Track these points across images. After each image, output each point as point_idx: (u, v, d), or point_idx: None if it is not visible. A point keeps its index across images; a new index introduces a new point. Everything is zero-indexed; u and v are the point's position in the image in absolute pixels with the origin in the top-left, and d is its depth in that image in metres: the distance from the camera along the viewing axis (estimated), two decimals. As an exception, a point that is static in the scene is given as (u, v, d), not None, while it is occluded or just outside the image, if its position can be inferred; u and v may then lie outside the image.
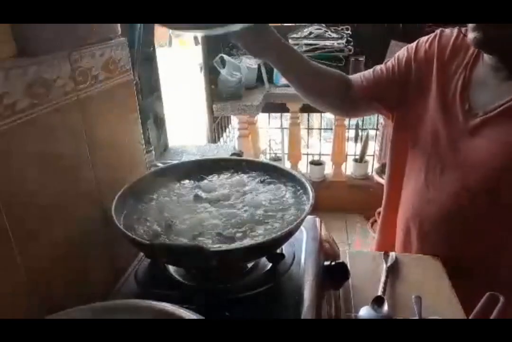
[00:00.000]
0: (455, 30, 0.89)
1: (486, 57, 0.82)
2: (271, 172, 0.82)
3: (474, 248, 0.90)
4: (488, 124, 0.80)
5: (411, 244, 1.00)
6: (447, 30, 0.91)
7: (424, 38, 0.95)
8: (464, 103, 0.83)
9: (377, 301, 0.77)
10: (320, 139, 3.37)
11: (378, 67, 1.01)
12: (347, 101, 1.01)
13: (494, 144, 0.80)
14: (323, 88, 1.01)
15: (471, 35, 0.77)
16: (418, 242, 0.98)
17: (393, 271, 0.89)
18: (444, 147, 0.87)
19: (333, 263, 0.73)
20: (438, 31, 0.93)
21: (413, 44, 0.96)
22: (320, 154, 3.14)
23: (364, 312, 0.76)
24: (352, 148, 3.12)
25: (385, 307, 0.76)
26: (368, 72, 1.01)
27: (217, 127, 2.65)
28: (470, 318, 0.71)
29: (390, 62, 0.99)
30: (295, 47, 2.71)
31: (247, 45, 0.87)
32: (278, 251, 0.70)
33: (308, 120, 3.35)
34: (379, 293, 0.79)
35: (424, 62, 0.91)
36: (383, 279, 0.84)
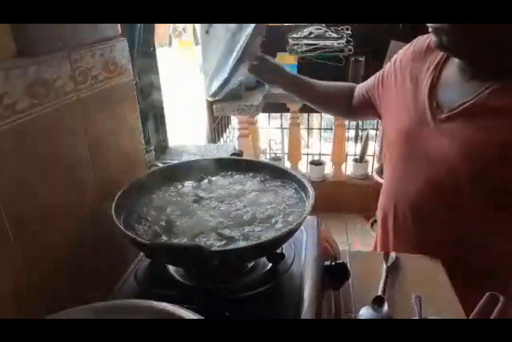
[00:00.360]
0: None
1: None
2: (271, 171, 0.82)
3: (444, 242, 0.93)
4: (451, 122, 0.83)
5: (388, 234, 1.04)
6: (425, 35, 0.95)
7: (406, 45, 1.01)
8: (432, 101, 0.87)
9: (377, 301, 0.77)
10: (320, 139, 3.37)
11: (373, 77, 1.09)
12: (350, 110, 1.15)
13: (454, 141, 0.83)
14: (331, 103, 1.19)
15: (432, 38, 0.81)
16: (394, 232, 1.02)
17: (393, 271, 0.89)
18: (414, 143, 0.90)
19: (333, 263, 0.73)
20: (418, 37, 0.98)
21: (396, 54, 1.03)
22: (320, 154, 3.14)
23: (364, 312, 0.76)
24: (352, 148, 3.12)
25: (385, 307, 0.76)
26: (366, 82, 1.11)
27: (217, 127, 2.65)
28: (470, 318, 0.71)
29: (380, 72, 1.06)
30: (295, 47, 2.70)
31: (262, 77, 1.14)
32: (278, 251, 0.70)
33: (308, 120, 3.34)
34: (379, 293, 0.79)
35: (400, 67, 0.97)
36: (383, 279, 0.84)
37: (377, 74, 1.07)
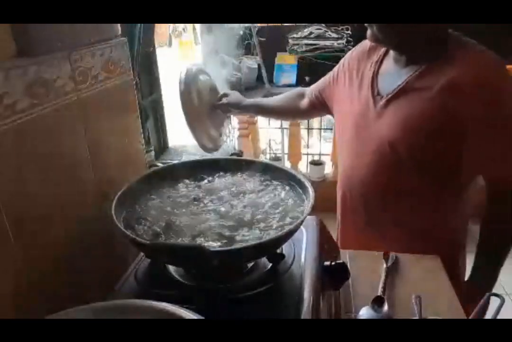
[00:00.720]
0: None
1: (391, 51, 0.96)
2: (271, 171, 0.82)
3: (394, 225, 1.00)
4: (390, 104, 0.93)
5: (346, 222, 1.11)
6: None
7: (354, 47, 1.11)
8: (374, 90, 0.97)
9: (377, 301, 0.77)
10: (320, 139, 3.36)
11: (323, 79, 1.17)
12: (303, 111, 1.25)
13: (391, 122, 0.91)
14: (287, 113, 1.33)
15: (368, 32, 0.90)
16: (350, 219, 1.09)
17: (393, 271, 0.89)
18: (361, 131, 0.98)
19: (333, 263, 0.73)
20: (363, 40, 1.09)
21: (346, 55, 1.12)
22: (320, 154, 3.13)
23: (364, 312, 0.76)
24: (352, 148, 3.11)
25: (385, 307, 0.76)
26: (317, 85, 1.19)
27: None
28: (470, 318, 0.71)
29: (329, 74, 1.15)
30: (295, 47, 2.69)
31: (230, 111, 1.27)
32: (278, 251, 0.70)
33: (308, 120, 3.34)
34: (379, 293, 0.79)
35: (348, 68, 1.07)
36: (383, 279, 0.84)
37: (327, 76, 1.15)
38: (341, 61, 1.12)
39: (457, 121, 0.84)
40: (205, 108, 1.19)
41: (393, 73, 0.95)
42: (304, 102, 1.22)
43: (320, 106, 1.17)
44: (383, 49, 0.99)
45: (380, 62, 0.99)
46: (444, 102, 0.84)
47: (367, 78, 0.99)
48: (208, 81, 1.23)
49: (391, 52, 0.96)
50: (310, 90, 1.21)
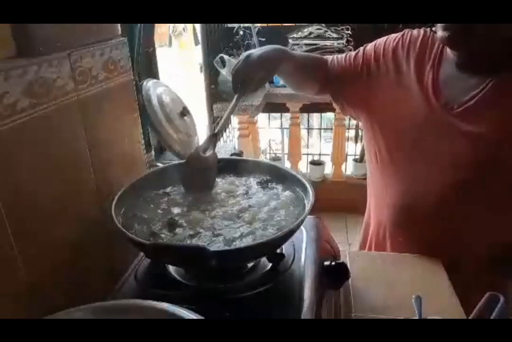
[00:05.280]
0: (421, 30, 0.94)
1: (450, 54, 0.87)
2: (270, 171, 0.82)
3: (479, 240, 0.91)
4: (467, 115, 0.84)
5: (386, 239, 1.02)
6: (415, 31, 0.95)
7: (392, 37, 0.98)
8: (439, 98, 0.87)
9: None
10: (320, 139, 3.37)
11: (347, 59, 1.03)
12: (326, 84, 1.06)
13: (476, 135, 0.83)
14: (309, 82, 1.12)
15: (440, 34, 0.80)
16: (407, 233, 0.98)
17: (393, 271, 0.89)
18: (427, 142, 0.89)
19: (333, 263, 0.72)
20: (405, 31, 0.97)
21: (381, 43, 1.00)
22: (320, 154, 3.14)
23: None
24: (352, 148, 3.12)
25: None
26: (341, 60, 1.04)
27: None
28: (470, 318, 0.71)
29: (359, 58, 1.01)
30: (295, 47, 2.67)
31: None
32: (278, 251, 0.70)
33: (308, 120, 3.34)
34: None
35: (393, 60, 0.95)
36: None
37: (355, 60, 1.01)
38: (378, 48, 0.98)
39: None
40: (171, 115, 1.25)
41: (459, 81, 0.85)
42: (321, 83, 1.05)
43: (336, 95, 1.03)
44: (436, 50, 0.89)
45: (437, 65, 0.88)
46: None
47: (426, 82, 0.88)
48: (167, 90, 1.28)
49: (452, 57, 0.86)
50: (330, 71, 1.03)
